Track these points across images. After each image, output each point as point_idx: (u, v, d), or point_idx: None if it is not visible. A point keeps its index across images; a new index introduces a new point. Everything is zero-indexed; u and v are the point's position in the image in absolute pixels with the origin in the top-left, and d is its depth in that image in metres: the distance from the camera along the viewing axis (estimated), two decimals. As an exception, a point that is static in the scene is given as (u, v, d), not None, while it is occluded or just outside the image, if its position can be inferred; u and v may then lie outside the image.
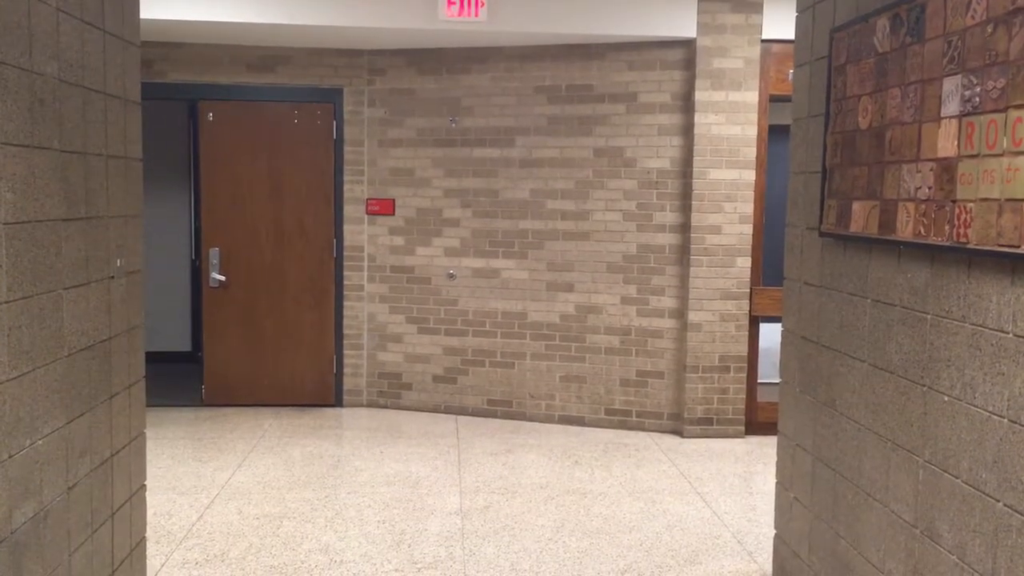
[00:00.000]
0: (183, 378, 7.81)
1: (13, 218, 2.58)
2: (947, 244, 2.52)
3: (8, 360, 2.57)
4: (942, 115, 2.56)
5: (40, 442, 2.78)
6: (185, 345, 8.86)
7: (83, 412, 3.11)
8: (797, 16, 3.78)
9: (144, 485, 3.85)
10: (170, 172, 8.64)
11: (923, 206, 2.64)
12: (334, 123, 7.17)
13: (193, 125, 8.12)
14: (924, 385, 2.70)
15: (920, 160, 2.67)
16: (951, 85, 2.52)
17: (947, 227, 2.51)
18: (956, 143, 2.48)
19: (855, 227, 3.10)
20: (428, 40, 6.73)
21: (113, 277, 3.37)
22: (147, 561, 3.96)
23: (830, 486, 3.37)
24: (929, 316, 2.68)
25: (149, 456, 3.92)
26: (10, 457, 2.59)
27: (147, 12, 4.90)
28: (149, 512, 3.95)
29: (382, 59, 7.11)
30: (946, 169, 2.53)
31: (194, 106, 7.67)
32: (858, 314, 3.15)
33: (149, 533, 3.97)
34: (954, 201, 2.48)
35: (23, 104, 2.64)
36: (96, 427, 3.24)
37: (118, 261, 3.41)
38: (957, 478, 2.52)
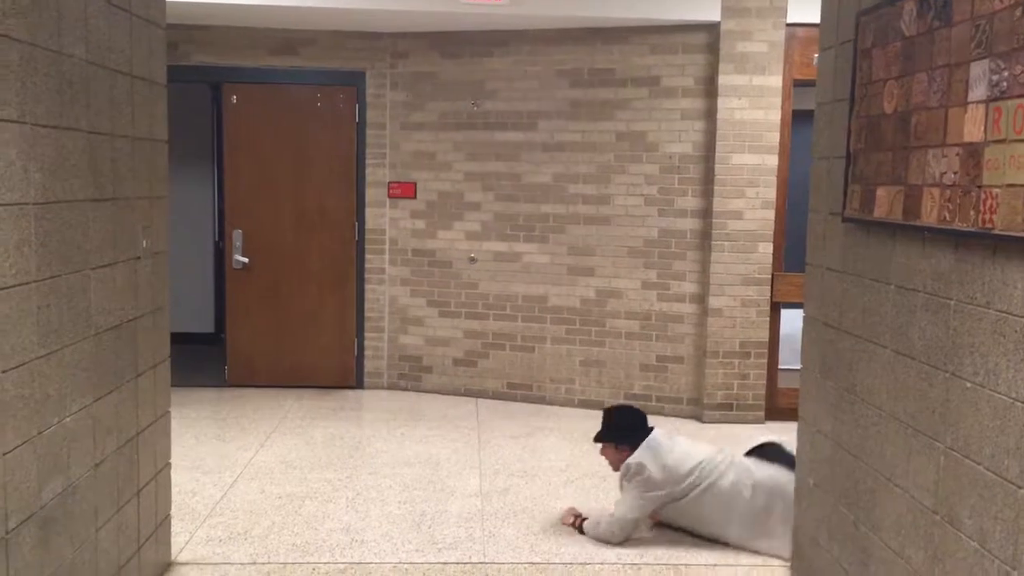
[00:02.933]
0: (206, 359, 7.89)
1: (43, 198, 2.62)
2: (972, 230, 2.50)
3: (37, 339, 2.61)
4: (969, 100, 2.54)
5: (68, 419, 2.83)
6: (208, 326, 8.93)
7: (110, 391, 3.16)
8: (823, -1, 3.75)
9: (169, 463, 3.91)
10: (194, 154, 8.69)
11: (948, 191, 2.63)
12: (356, 106, 7.19)
13: (217, 107, 8.17)
14: (947, 371, 2.70)
15: (946, 145, 2.65)
16: (978, 70, 2.49)
17: (972, 213, 2.49)
18: (983, 128, 2.46)
19: (879, 212, 3.08)
20: (451, 23, 6.72)
21: (139, 258, 3.41)
22: (172, 538, 4.02)
23: (850, 472, 3.37)
24: (953, 302, 2.67)
25: (173, 435, 3.97)
26: (39, 434, 2.64)
27: (172, -6, 4.92)
28: (173, 490, 4.00)
29: (405, 42, 7.11)
30: (972, 154, 2.51)
31: (218, 88, 7.71)
32: (881, 300, 3.14)
33: (173, 511, 4.03)
34: (980, 187, 2.46)
35: (52, 86, 2.67)
36: (122, 406, 3.28)
37: (144, 242, 3.45)
38: (979, 464, 2.51)
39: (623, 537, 4.34)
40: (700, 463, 4.37)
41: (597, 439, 4.62)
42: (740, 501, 4.31)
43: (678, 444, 4.46)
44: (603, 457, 4.65)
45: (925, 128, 2.78)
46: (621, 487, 4.48)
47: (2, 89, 2.37)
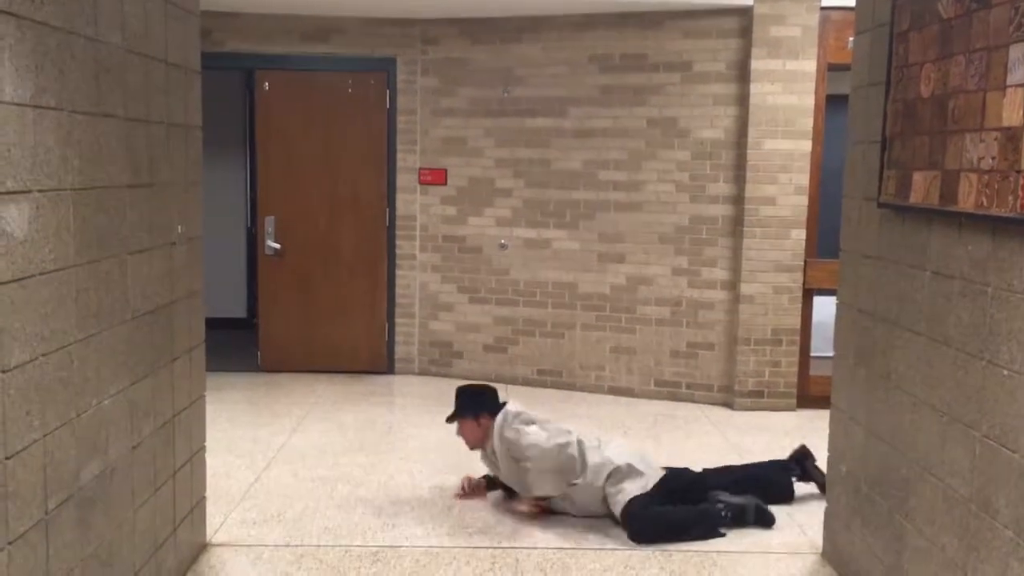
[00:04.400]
0: (238, 344, 7.96)
1: (81, 184, 2.65)
2: (1010, 215, 2.47)
3: (76, 322, 2.65)
4: (1008, 83, 2.50)
5: (106, 402, 2.87)
6: (240, 312, 9.02)
7: (146, 374, 3.20)
8: (859, -18, 3.70)
9: (204, 446, 3.96)
10: (226, 140, 8.75)
11: (986, 176, 2.59)
12: (387, 92, 7.21)
13: (249, 94, 8.22)
14: (983, 359, 2.67)
15: (984, 129, 2.62)
16: (1018, 52, 2.45)
17: (1010, 198, 2.46)
18: (1022, 112, 2.43)
19: (915, 198, 3.05)
20: (481, 9, 6.71)
21: (175, 243, 3.45)
22: (207, 520, 4.08)
23: (884, 460, 3.35)
24: (990, 289, 2.64)
25: (207, 419, 4.02)
26: (78, 416, 2.68)
27: (205, -18, 4.96)
28: (208, 473, 4.06)
29: (435, 28, 7.11)
30: (1011, 139, 2.47)
31: (250, 75, 7.76)
32: (916, 286, 3.11)
33: (208, 493, 4.08)
34: (1018, 171, 2.43)
35: (89, 73, 2.70)
36: (158, 389, 3.33)
37: (179, 227, 3.49)
38: (1015, 453, 2.49)
39: (567, 462, 4.27)
40: (566, 430, 4.44)
41: (453, 417, 4.53)
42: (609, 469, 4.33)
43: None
44: (461, 437, 4.58)
45: (963, 112, 2.74)
46: (501, 464, 4.39)
47: (40, 76, 2.41)
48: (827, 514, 3.95)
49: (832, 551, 3.89)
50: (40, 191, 2.42)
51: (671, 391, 6.78)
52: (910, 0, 3.13)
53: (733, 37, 6.42)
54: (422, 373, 7.46)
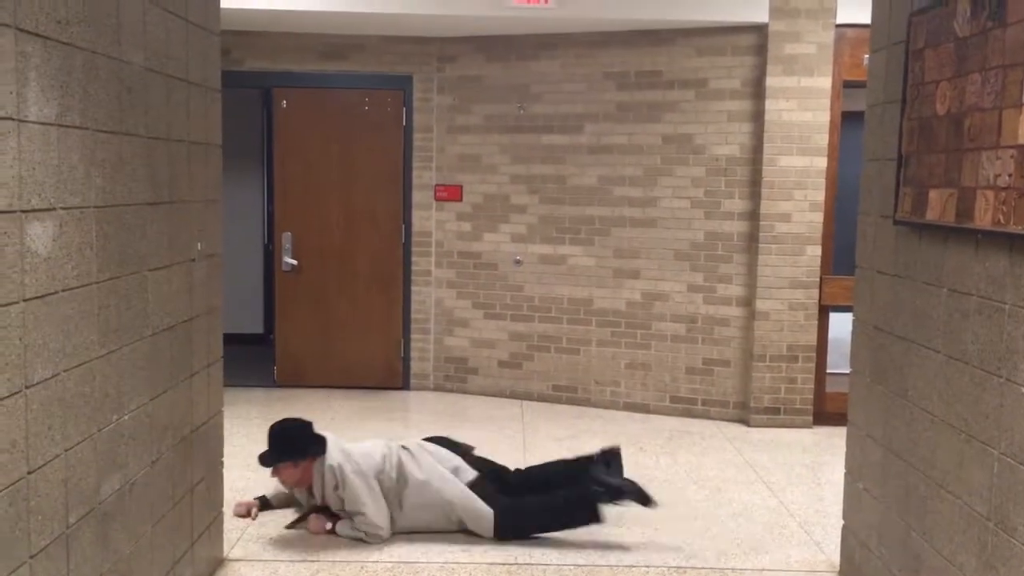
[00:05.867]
0: (255, 359, 8.00)
1: (103, 202, 2.69)
2: (1027, 233, 2.47)
3: (97, 338, 2.68)
4: (1024, 101, 2.50)
5: (126, 417, 2.90)
6: (257, 327, 9.06)
7: (166, 390, 3.23)
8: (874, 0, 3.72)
9: (221, 462, 3.98)
10: (244, 157, 8.82)
11: (1003, 194, 2.59)
12: (404, 110, 7.26)
13: (267, 112, 8.29)
14: (1001, 376, 2.66)
15: (1000, 147, 2.62)
16: (1034, 70, 2.46)
17: (1028, 216, 2.46)
18: (1038, 130, 2.43)
19: (931, 215, 3.05)
20: (497, 27, 6.76)
21: (194, 260, 3.49)
22: (224, 535, 4.10)
23: (901, 477, 3.33)
24: (1007, 306, 2.63)
25: (225, 434, 4.04)
26: (99, 431, 2.71)
27: (225, 1, 5.00)
28: (225, 488, 4.08)
29: (451, 46, 7.17)
30: (1027, 156, 2.47)
31: (268, 93, 7.82)
32: (933, 304, 3.10)
33: (225, 508, 4.10)
34: (1035, 189, 2.43)
35: (112, 92, 2.74)
36: (177, 404, 3.36)
37: (199, 244, 3.52)
38: (1034, 471, 2.48)
39: (384, 525, 4.24)
40: (383, 453, 4.38)
41: (269, 463, 4.31)
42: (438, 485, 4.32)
43: (354, 444, 4.48)
44: (277, 478, 4.41)
45: (979, 130, 2.75)
46: (327, 499, 4.31)
47: (66, 95, 2.45)
48: (844, 532, 3.93)
49: (849, 569, 3.87)
50: (64, 209, 2.45)
51: (686, 407, 6.77)
52: (925, 18, 3.14)
53: (749, 55, 6.44)
54: (437, 389, 7.47)
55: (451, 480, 4.35)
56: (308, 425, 4.41)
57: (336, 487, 4.27)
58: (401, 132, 7.28)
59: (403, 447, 4.47)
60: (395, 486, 4.32)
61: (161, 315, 3.17)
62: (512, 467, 4.70)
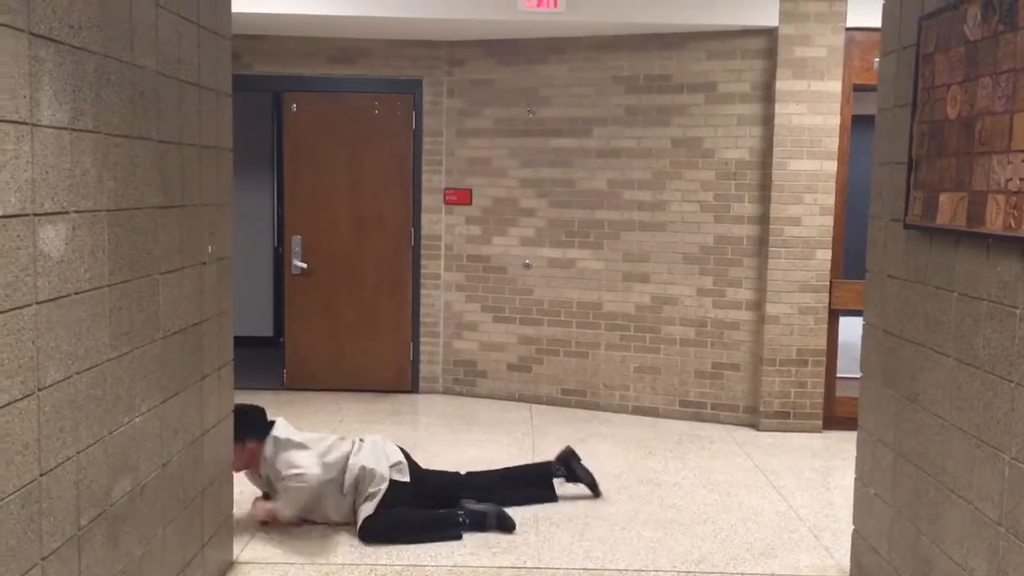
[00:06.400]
0: (265, 362, 8.02)
1: (115, 205, 2.70)
2: (1039, 237, 2.46)
3: (109, 341, 2.69)
4: (1035, 105, 2.50)
5: (137, 420, 2.91)
6: (267, 330, 9.08)
7: (177, 392, 3.24)
8: (884, 3, 3.71)
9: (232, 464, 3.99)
10: (254, 161, 8.85)
11: (1014, 198, 2.59)
12: (413, 114, 7.27)
13: (277, 116, 8.32)
14: (1012, 381, 2.65)
15: (1011, 151, 2.61)
16: (1046, 74, 2.46)
17: (1039, 220, 2.45)
18: (1050, 134, 2.42)
19: (942, 219, 3.04)
20: (507, 31, 6.77)
21: (205, 263, 3.50)
22: (234, 537, 4.11)
23: (912, 482, 3.32)
24: (1019, 311, 2.62)
25: (235, 437, 4.05)
26: (110, 434, 2.72)
27: (236, 6, 5.03)
28: (235, 491, 4.09)
29: (461, 50, 7.18)
30: (1039, 160, 2.47)
31: (278, 97, 7.86)
32: (944, 308, 3.10)
33: (235, 510, 4.11)
34: (1047, 193, 2.42)
35: (125, 96, 2.76)
36: (188, 407, 3.37)
37: (209, 248, 3.53)
38: (1045, 476, 2.47)
39: (305, 467, 4.26)
40: (334, 441, 4.50)
41: None
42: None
43: (310, 432, 4.60)
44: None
45: (990, 134, 2.74)
46: (272, 479, 4.36)
47: (78, 100, 2.46)
48: (854, 536, 3.92)
49: (859, 574, 3.86)
50: (76, 212, 2.47)
51: (696, 411, 6.76)
52: (936, 22, 3.13)
53: (758, 58, 6.43)
54: (446, 392, 7.48)
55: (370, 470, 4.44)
56: (254, 410, 4.46)
57: (275, 463, 4.33)
58: (410, 136, 7.29)
59: (360, 439, 4.61)
60: (338, 475, 4.42)
61: (172, 318, 3.18)
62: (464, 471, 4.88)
